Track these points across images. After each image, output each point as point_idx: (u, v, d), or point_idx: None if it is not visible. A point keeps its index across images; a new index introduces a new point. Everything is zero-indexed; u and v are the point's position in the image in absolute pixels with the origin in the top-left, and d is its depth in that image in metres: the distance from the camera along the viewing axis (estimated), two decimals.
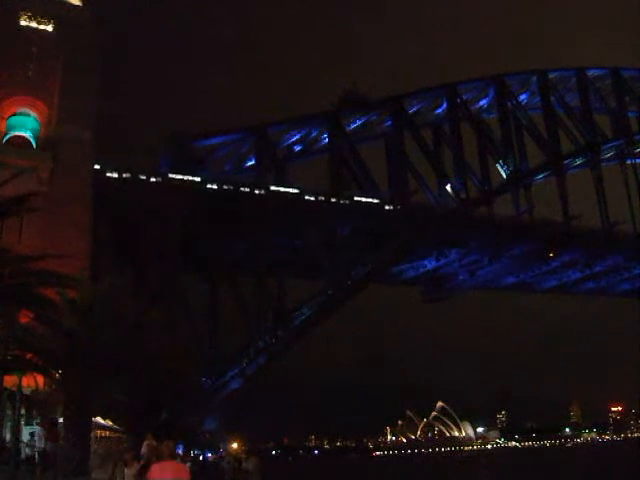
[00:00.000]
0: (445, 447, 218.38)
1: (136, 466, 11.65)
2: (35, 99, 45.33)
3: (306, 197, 56.24)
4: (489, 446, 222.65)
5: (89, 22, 48.83)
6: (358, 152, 62.22)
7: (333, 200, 57.41)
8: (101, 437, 31.86)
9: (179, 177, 53.48)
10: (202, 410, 50.55)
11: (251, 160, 60.09)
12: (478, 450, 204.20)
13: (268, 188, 55.51)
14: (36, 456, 22.45)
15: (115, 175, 51.47)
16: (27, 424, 25.68)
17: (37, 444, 22.95)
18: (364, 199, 58.66)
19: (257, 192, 54.71)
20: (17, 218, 27.28)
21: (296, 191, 56.49)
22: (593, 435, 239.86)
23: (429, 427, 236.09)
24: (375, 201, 58.33)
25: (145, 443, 12.82)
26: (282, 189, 56.23)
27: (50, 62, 45.88)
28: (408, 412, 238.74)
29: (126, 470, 11.93)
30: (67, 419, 20.16)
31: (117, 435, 31.86)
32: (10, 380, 21.05)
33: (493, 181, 65.04)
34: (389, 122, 64.69)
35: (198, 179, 53.63)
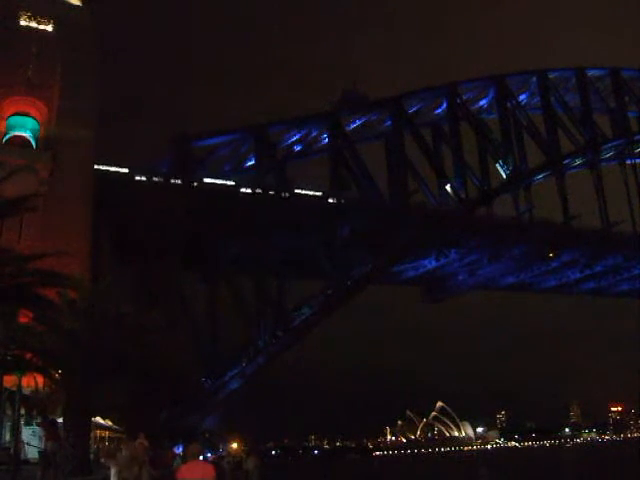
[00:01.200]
0: (445, 447, 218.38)
1: None
2: (35, 99, 45.32)
3: (242, 190, 56.29)
4: (489, 446, 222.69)
5: (89, 22, 48.85)
6: (358, 152, 62.15)
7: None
8: (120, 438, 31.73)
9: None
10: (202, 410, 50.56)
11: (251, 160, 60.01)
12: (478, 450, 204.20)
13: (201, 181, 55.41)
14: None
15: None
16: (27, 424, 25.69)
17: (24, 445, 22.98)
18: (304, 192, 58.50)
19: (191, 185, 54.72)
20: (17, 218, 27.31)
21: (231, 183, 56.48)
22: (593, 435, 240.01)
23: (429, 427, 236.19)
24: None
25: (138, 442, 12.18)
26: (218, 181, 56.41)
27: (50, 62, 45.87)
28: (408, 412, 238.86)
29: (114, 471, 11.25)
30: (67, 419, 20.16)
31: (117, 435, 31.86)
32: (10, 380, 21.06)
33: (493, 181, 65.01)
34: (389, 122, 64.60)
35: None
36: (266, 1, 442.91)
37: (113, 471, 11.17)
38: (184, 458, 24.34)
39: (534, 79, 72.04)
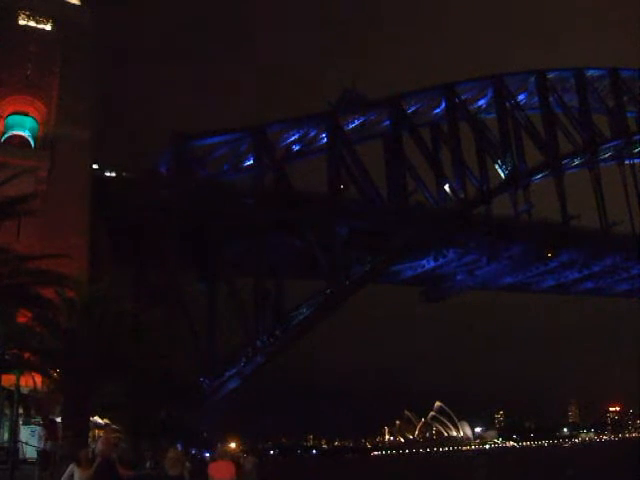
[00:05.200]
0: (443, 447, 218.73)
1: (91, 466, 10.06)
2: (34, 98, 45.30)
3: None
4: (487, 446, 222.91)
5: (88, 21, 48.85)
6: (356, 152, 62.09)
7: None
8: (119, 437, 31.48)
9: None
10: (200, 410, 50.51)
11: (250, 160, 59.97)
12: (476, 450, 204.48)
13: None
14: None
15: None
16: (25, 423, 25.68)
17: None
18: None
19: None
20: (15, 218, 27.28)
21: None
22: (591, 435, 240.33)
23: (427, 427, 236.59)
24: None
25: (103, 437, 11.27)
26: None
27: (49, 61, 45.89)
28: (406, 412, 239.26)
29: (77, 472, 10.27)
30: (65, 418, 20.15)
31: (115, 435, 31.80)
32: (8, 379, 21.06)
33: (491, 181, 65.00)
34: (387, 122, 64.57)
35: None
36: (266, 1, 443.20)
37: (77, 476, 10.45)
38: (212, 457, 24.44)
39: (533, 79, 72.01)
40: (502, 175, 65.90)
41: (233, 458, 18.35)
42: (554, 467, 67.56)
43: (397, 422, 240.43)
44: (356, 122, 64.33)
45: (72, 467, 10.55)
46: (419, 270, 67.23)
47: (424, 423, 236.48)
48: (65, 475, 10.62)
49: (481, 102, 70.31)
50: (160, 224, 48.02)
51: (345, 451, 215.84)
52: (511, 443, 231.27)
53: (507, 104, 68.46)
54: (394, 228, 57.43)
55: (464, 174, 63.62)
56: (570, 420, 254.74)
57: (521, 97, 72.11)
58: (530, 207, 66.06)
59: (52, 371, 20.96)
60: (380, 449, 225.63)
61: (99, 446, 10.32)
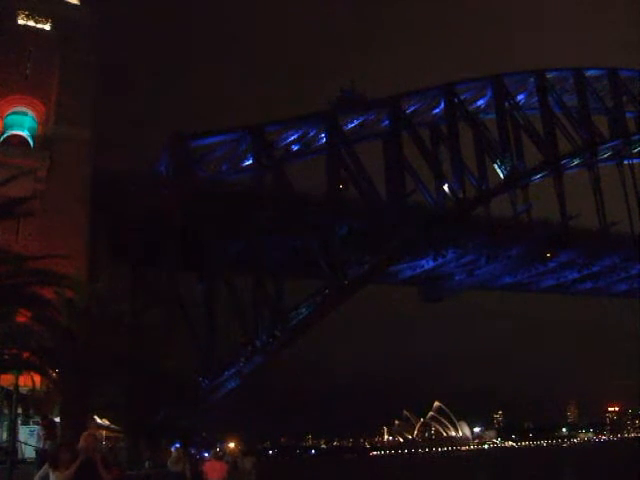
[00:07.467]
0: (442, 447, 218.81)
1: (72, 467, 8.89)
2: (33, 98, 45.27)
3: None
4: (486, 446, 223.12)
5: (87, 21, 48.79)
6: (355, 152, 61.99)
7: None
8: (118, 438, 31.46)
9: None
10: (199, 409, 50.50)
11: (249, 160, 59.87)
12: (475, 450, 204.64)
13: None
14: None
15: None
16: (24, 423, 25.70)
17: None
18: None
19: None
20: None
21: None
22: (590, 435, 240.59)
23: (426, 427, 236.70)
24: None
25: (87, 434, 9.75)
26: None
27: (48, 61, 45.84)
28: (405, 412, 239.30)
29: (53, 473, 9.16)
30: (64, 418, 20.17)
31: (115, 435, 31.83)
32: (7, 379, 21.08)
33: (490, 181, 64.92)
34: (387, 122, 64.48)
35: None
36: (266, 2, 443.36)
37: (53, 476, 9.52)
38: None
39: (532, 79, 71.91)
40: (501, 175, 65.82)
41: (225, 459, 18.44)
42: (553, 467, 67.57)
43: (396, 422, 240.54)
44: (355, 122, 64.21)
45: (46, 467, 9.62)
46: (418, 270, 67.18)
47: (423, 423, 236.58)
48: (37, 476, 9.92)
49: (480, 102, 70.23)
50: (159, 224, 47.96)
51: (344, 451, 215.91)
52: (510, 443, 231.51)
53: (506, 104, 68.38)
54: (393, 228, 57.38)
55: (463, 174, 63.53)
56: (569, 420, 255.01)
57: (520, 97, 72.02)
58: (529, 207, 66.03)
59: (51, 371, 20.98)
60: (379, 449, 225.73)
61: (81, 443, 9.31)
